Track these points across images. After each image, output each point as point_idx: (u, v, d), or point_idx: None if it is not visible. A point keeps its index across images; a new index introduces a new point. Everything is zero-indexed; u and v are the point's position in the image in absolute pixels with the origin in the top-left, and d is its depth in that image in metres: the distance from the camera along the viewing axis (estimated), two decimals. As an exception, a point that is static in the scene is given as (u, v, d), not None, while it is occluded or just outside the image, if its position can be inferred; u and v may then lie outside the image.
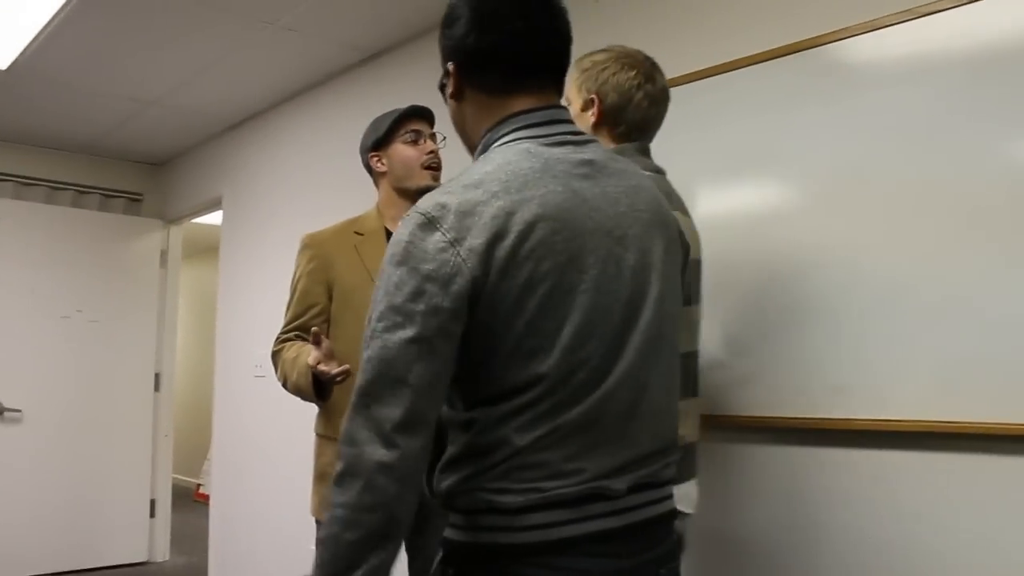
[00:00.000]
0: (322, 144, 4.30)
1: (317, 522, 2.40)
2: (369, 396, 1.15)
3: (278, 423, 4.33)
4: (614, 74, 1.97)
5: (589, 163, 1.27)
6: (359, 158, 2.56)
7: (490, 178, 1.20)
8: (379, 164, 2.49)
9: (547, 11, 1.33)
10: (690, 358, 1.90)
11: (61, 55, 3.97)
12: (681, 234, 1.42)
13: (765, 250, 2.31)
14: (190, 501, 8.11)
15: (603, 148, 1.34)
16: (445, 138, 2.50)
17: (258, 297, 4.66)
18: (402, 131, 2.45)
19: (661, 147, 2.01)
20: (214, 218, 5.73)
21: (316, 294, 2.42)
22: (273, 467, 4.43)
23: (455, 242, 1.15)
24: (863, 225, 2.13)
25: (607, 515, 1.19)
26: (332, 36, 3.76)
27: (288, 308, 2.46)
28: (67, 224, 5.48)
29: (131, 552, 5.56)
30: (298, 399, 2.32)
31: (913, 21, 2.08)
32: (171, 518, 5.87)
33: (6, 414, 5.07)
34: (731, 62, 2.44)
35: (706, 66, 2.51)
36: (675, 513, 1.33)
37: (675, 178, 1.97)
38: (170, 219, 5.89)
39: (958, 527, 1.95)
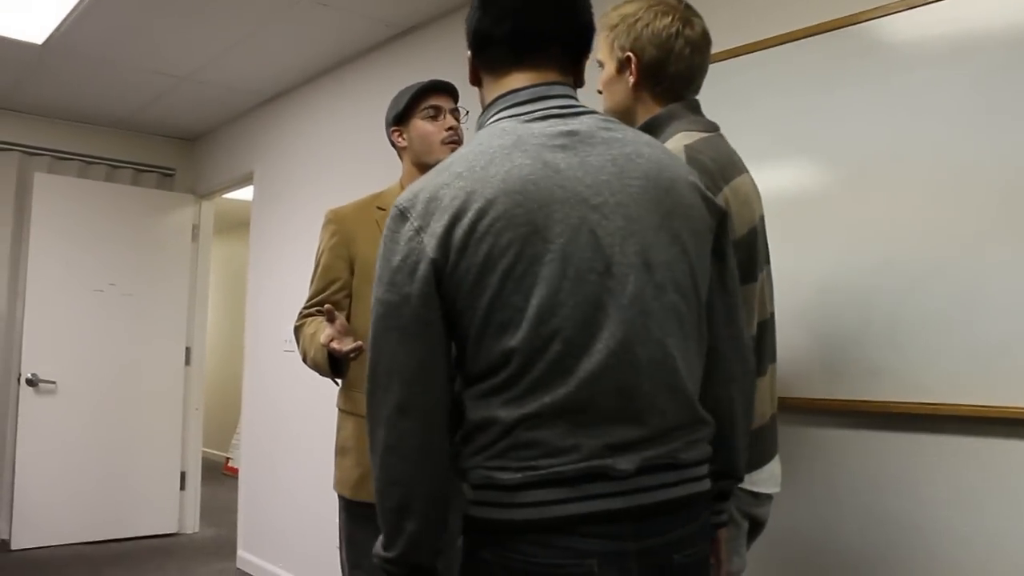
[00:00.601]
0: (353, 119, 4.30)
1: (339, 496, 2.43)
2: (371, 382, 1.24)
3: (306, 397, 4.36)
4: (647, 24, 1.75)
5: (571, 134, 1.26)
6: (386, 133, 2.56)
7: (459, 160, 1.25)
8: (400, 139, 2.49)
9: (532, 3, 1.35)
10: (764, 328, 1.76)
11: (95, 30, 3.99)
12: (708, 199, 1.33)
13: (798, 231, 2.29)
14: (219, 474, 8.20)
15: (598, 118, 1.31)
16: (468, 112, 2.49)
17: (288, 272, 4.69)
18: (422, 106, 2.44)
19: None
20: (245, 193, 5.76)
21: (338, 269, 2.44)
22: (301, 441, 4.47)
23: (420, 229, 1.20)
24: (898, 207, 2.10)
25: (610, 495, 1.18)
26: (363, 11, 3.75)
27: (311, 283, 2.48)
28: (100, 198, 5.53)
29: (161, 523, 5.63)
30: (321, 376, 2.34)
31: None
32: (200, 491, 5.93)
33: (41, 386, 5.15)
34: (765, 40, 2.41)
35: (740, 44, 2.48)
36: (703, 496, 1.28)
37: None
38: (202, 194, 5.92)
39: (986, 512, 1.93)
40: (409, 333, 1.21)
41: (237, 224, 8.50)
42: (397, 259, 1.21)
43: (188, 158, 6.06)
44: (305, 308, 2.45)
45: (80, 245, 5.38)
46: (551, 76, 1.34)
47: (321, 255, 2.47)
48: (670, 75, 1.75)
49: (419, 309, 1.20)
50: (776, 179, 2.38)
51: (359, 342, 2.09)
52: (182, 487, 5.77)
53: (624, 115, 1.76)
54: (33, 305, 5.19)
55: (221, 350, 8.73)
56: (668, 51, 1.75)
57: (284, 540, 4.63)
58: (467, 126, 2.48)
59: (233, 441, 8.69)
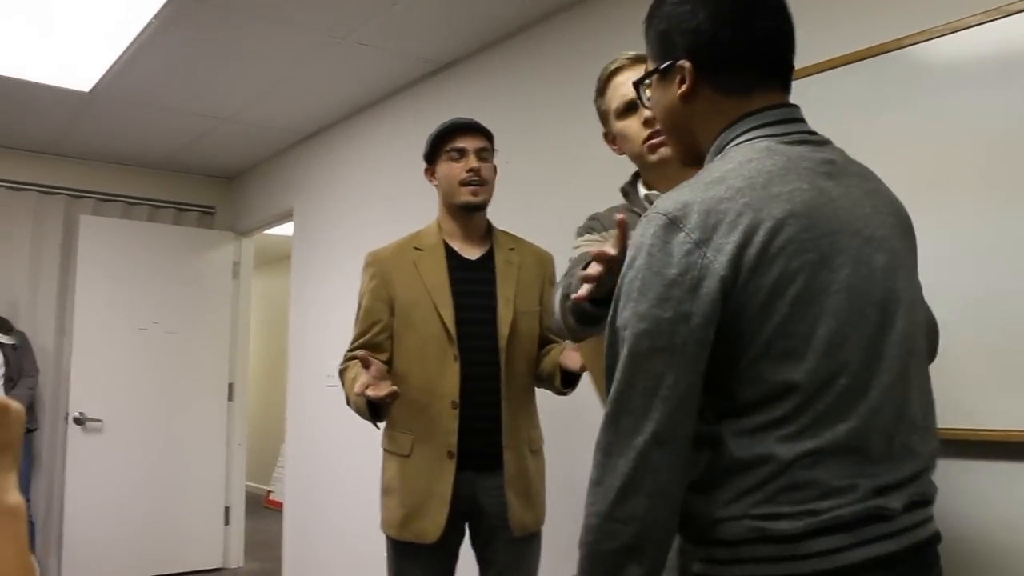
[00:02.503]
0: (391, 154, 4.35)
1: (387, 536, 2.47)
2: (618, 405, 1.12)
3: (351, 433, 4.36)
4: None
5: (830, 163, 1.22)
6: (429, 169, 2.61)
7: (732, 175, 1.14)
8: (431, 178, 2.56)
9: (781, 11, 1.28)
10: None
11: (139, 76, 4.08)
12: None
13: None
14: (261, 507, 8.23)
15: (840, 149, 1.28)
16: (497, 151, 2.55)
17: (329, 307, 4.72)
18: (447, 147, 2.50)
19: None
20: (284, 228, 5.83)
21: (378, 311, 2.49)
22: (346, 476, 4.48)
23: (701, 243, 1.10)
24: (946, 233, 2.07)
25: (886, 537, 1.11)
26: (402, 49, 3.81)
27: (355, 325, 2.54)
28: (143, 238, 5.63)
29: (207, 558, 5.67)
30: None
31: (998, 21, 2.03)
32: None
33: (88, 424, 5.22)
34: (805, 68, 2.41)
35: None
36: (939, 535, 1.24)
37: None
38: (242, 231, 6.01)
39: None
40: (681, 354, 1.10)
41: (277, 259, 8.59)
42: (673, 272, 1.09)
43: (228, 196, 6.16)
44: (349, 350, 2.50)
45: (124, 284, 5.47)
46: (784, 97, 1.29)
47: (362, 297, 2.53)
48: None
49: (699, 330, 1.10)
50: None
51: (394, 388, 2.17)
52: (226, 522, 5.81)
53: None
54: (80, 344, 5.28)
55: (262, 382, 8.80)
56: None
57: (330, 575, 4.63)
58: (501, 169, 2.51)
59: (274, 474, 8.73)
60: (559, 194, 3.32)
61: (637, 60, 1.96)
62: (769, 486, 1.10)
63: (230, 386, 5.90)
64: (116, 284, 5.45)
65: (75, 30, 3.61)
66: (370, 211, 4.51)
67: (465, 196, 2.47)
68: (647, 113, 1.88)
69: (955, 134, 2.08)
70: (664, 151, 1.89)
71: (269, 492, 8.83)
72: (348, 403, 2.41)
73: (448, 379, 2.40)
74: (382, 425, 2.45)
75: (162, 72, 4.05)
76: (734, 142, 1.23)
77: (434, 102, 4.05)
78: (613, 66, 2.00)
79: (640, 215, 1.97)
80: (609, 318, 1.17)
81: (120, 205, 5.73)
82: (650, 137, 1.90)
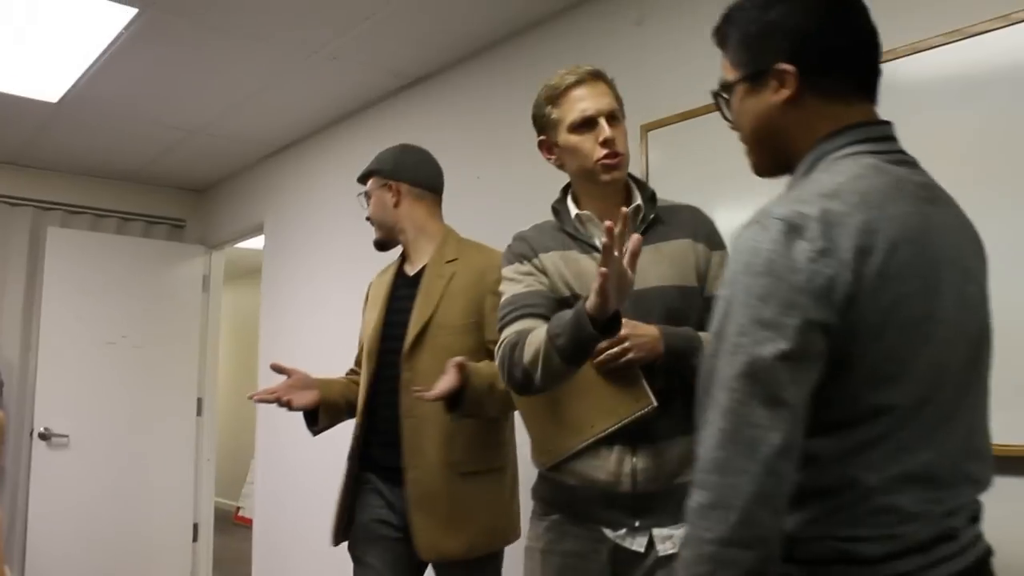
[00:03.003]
0: (363, 169, 4.34)
1: (353, 557, 2.51)
2: (740, 418, 1.05)
3: (320, 450, 4.34)
4: None
5: (929, 187, 1.20)
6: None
7: (846, 190, 1.11)
8: (393, 196, 2.66)
9: (867, 11, 1.24)
10: None
11: (109, 87, 4.05)
12: None
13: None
14: (230, 524, 8.15)
15: (926, 171, 1.26)
16: (361, 195, 2.73)
17: (300, 322, 4.70)
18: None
19: (713, 167, 2.02)
20: (255, 242, 5.80)
21: (362, 331, 2.68)
22: (315, 493, 4.44)
23: (825, 252, 1.06)
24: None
25: (955, 555, 1.13)
26: (374, 63, 3.81)
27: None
28: (111, 251, 5.57)
29: (175, 575, 5.59)
30: (337, 426, 2.63)
31: (959, 42, 2.07)
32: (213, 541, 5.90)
33: (54, 439, 5.14)
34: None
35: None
36: (991, 549, 1.25)
37: (717, 199, 1.97)
38: (212, 245, 5.96)
39: None
40: (807, 363, 1.06)
41: (248, 272, 8.54)
42: (799, 279, 1.05)
43: (198, 209, 6.12)
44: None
45: (91, 298, 5.40)
46: (875, 108, 1.26)
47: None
48: None
49: (820, 339, 1.06)
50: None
51: (305, 400, 2.46)
52: (195, 539, 5.73)
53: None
54: (45, 358, 5.20)
55: (231, 397, 8.72)
56: None
57: (299, 591, 4.59)
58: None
59: (244, 490, 8.65)
60: (530, 208, 3.32)
61: (598, 76, 1.95)
62: (853, 510, 1.09)
63: (199, 401, 5.84)
64: (84, 297, 5.38)
65: (44, 40, 3.58)
66: (341, 226, 4.49)
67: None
68: (607, 132, 1.89)
69: (917, 153, 2.11)
70: (617, 174, 1.91)
71: (238, 508, 8.75)
72: None
73: (365, 395, 2.51)
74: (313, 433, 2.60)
75: (132, 84, 4.03)
76: (836, 154, 1.19)
77: (406, 116, 4.06)
78: (572, 79, 1.96)
79: (570, 234, 1.97)
80: (715, 327, 1.12)
81: (88, 217, 5.67)
82: (607, 157, 1.90)
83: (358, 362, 2.65)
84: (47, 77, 3.96)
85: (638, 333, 1.79)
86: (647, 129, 2.81)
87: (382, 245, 2.61)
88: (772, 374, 1.05)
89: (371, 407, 2.47)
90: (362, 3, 3.21)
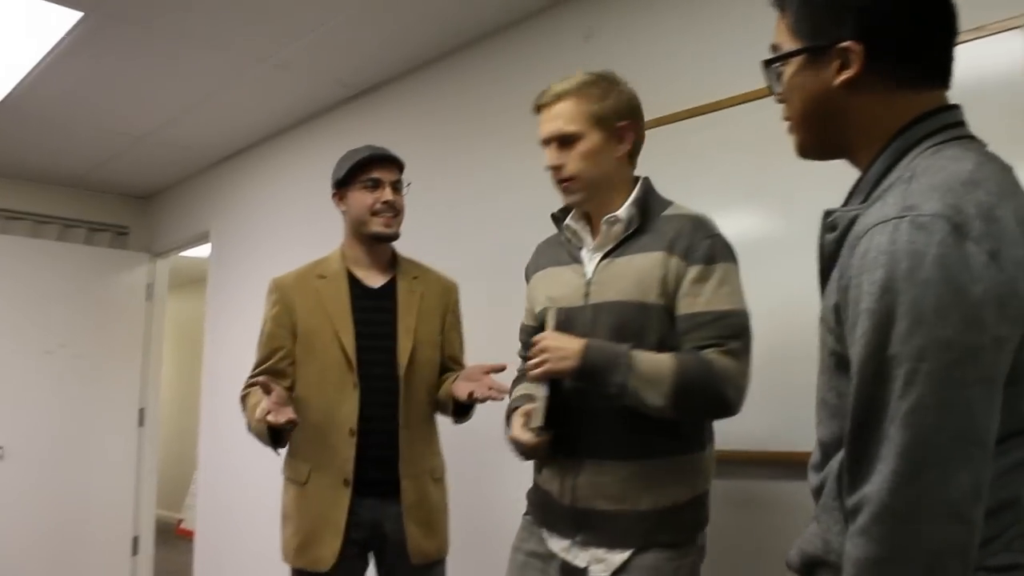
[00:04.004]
0: (310, 178, 4.32)
1: (294, 570, 2.45)
2: (922, 456, 0.91)
3: (263, 461, 4.28)
4: (630, 96, 1.96)
5: (1014, 173, 1.09)
6: (333, 195, 2.61)
7: (981, 176, 0.98)
8: (340, 204, 2.56)
9: None
10: None
11: (52, 91, 3.99)
12: None
13: (753, 284, 2.33)
14: (171, 536, 8.01)
15: None
16: (410, 184, 2.56)
17: (245, 332, 4.63)
18: (362, 176, 2.49)
19: (659, 178, 2.04)
20: (200, 250, 5.73)
21: (281, 337, 2.50)
22: (259, 505, 4.40)
23: (995, 255, 0.92)
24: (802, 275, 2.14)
25: None
26: (322, 73, 3.80)
27: (256, 351, 2.55)
28: (52, 258, 5.46)
29: (113, 589, 5.48)
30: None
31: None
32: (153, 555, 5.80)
33: (-12, 450, 5.03)
34: (720, 101, 2.48)
35: (698, 104, 2.56)
36: None
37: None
38: (157, 252, 5.88)
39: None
40: (997, 388, 0.92)
41: (192, 281, 8.43)
42: (979, 289, 0.90)
43: (143, 216, 6.02)
44: (251, 376, 2.50)
45: (30, 305, 5.29)
46: (947, 96, 1.14)
47: (265, 324, 2.55)
48: (642, 142, 1.96)
49: (1007, 360, 0.93)
50: (730, 232, 2.43)
51: (292, 416, 2.18)
52: (134, 552, 5.62)
53: (607, 185, 1.91)
54: (-20, 367, 5.08)
55: (174, 407, 8.61)
56: (641, 119, 1.97)
57: (241, 605, 4.53)
58: (414, 195, 2.54)
59: (186, 502, 8.52)
60: (475, 219, 3.34)
61: (555, 98, 1.95)
62: (1009, 531, 0.97)
63: (141, 411, 5.74)
64: (22, 304, 5.26)
65: (-16, 42, 3.51)
66: (288, 234, 4.47)
67: (378, 227, 2.48)
68: (548, 160, 1.93)
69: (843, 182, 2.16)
70: (573, 197, 1.95)
71: (180, 520, 8.61)
72: (249, 429, 2.41)
73: (347, 407, 2.40)
74: (282, 451, 2.45)
75: (77, 88, 3.97)
76: (935, 139, 1.07)
77: (353, 126, 4.05)
78: (538, 101, 2.00)
79: (569, 240, 2.03)
80: (873, 346, 0.96)
81: (29, 223, 5.54)
82: (560, 183, 1.95)
83: (274, 371, 2.45)
84: (-13, 79, 3.88)
85: (557, 346, 1.80)
86: (594, 143, 2.84)
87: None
88: (963, 404, 0.91)
89: (364, 424, 2.39)
90: (311, 13, 3.20)
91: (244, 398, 2.48)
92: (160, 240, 5.84)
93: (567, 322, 1.88)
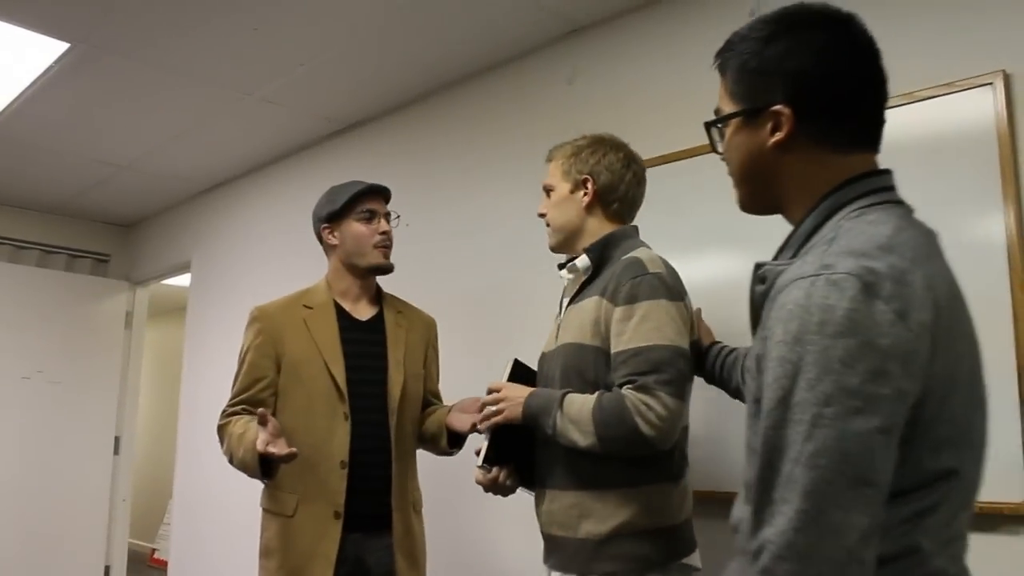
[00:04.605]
0: (293, 212, 4.34)
1: None
2: (825, 500, 0.94)
3: (240, 491, 4.28)
4: (604, 155, 2.09)
5: (936, 237, 1.14)
6: (313, 227, 2.60)
7: (897, 242, 1.03)
8: (331, 237, 2.54)
9: (878, 57, 1.16)
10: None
11: (36, 119, 4.01)
12: None
13: (731, 328, 2.37)
14: (145, 566, 7.93)
15: None
16: (399, 216, 2.59)
17: (224, 362, 4.62)
18: (358, 208, 2.50)
19: (640, 220, 2.11)
20: (180, 279, 5.73)
21: (264, 367, 2.46)
22: (233, 536, 4.38)
23: (902, 314, 0.97)
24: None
25: None
26: (307, 108, 3.84)
27: (235, 381, 2.50)
28: (31, 284, 5.44)
29: (83, 620, 5.42)
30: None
31: (907, 106, 2.16)
32: (125, 585, 5.73)
33: (-40, 476, 4.97)
34: (699, 147, 2.53)
35: (675, 150, 2.61)
36: None
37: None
38: (137, 281, 5.87)
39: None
40: (894, 438, 0.97)
41: (171, 309, 8.40)
42: (886, 343, 0.95)
43: (124, 244, 6.02)
44: (230, 406, 2.46)
45: (8, 330, 5.26)
46: (877, 163, 1.18)
47: (246, 353, 2.50)
48: (619, 198, 2.07)
49: (906, 411, 0.98)
50: (707, 275, 2.48)
51: (293, 449, 2.13)
52: (106, 582, 5.57)
53: (572, 231, 2.10)
54: (-45, 393, 5.04)
55: (150, 436, 8.54)
56: (620, 178, 2.09)
57: (213, 637, 4.49)
58: (397, 230, 2.57)
59: (160, 531, 8.44)
60: (456, 255, 3.38)
61: (551, 155, 2.19)
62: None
63: (116, 439, 5.70)
64: (0, 329, 5.24)
65: (-30, 71, 3.53)
66: (269, 267, 4.48)
67: (377, 259, 2.50)
68: (540, 209, 2.18)
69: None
70: (550, 240, 2.18)
71: (154, 550, 8.52)
72: (231, 460, 2.36)
73: (338, 438, 2.38)
74: (271, 483, 2.40)
75: (61, 116, 3.99)
76: (860, 203, 1.12)
77: (337, 161, 4.09)
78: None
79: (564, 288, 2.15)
80: (783, 391, 0.99)
81: (8, 248, 5.52)
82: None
83: (255, 401, 2.41)
84: (-29, 107, 3.89)
85: (510, 395, 2.04)
86: (574, 183, 2.88)
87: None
88: (863, 450, 0.95)
89: (354, 456, 2.38)
90: (297, 49, 3.25)
91: (222, 427, 2.43)
92: (141, 268, 5.84)
93: (541, 362, 2.14)
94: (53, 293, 5.50)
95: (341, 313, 2.52)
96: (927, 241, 1.09)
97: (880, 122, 1.17)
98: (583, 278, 2.07)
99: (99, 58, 3.36)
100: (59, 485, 5.36)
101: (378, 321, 2.54)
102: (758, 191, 1.24)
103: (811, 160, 1.15)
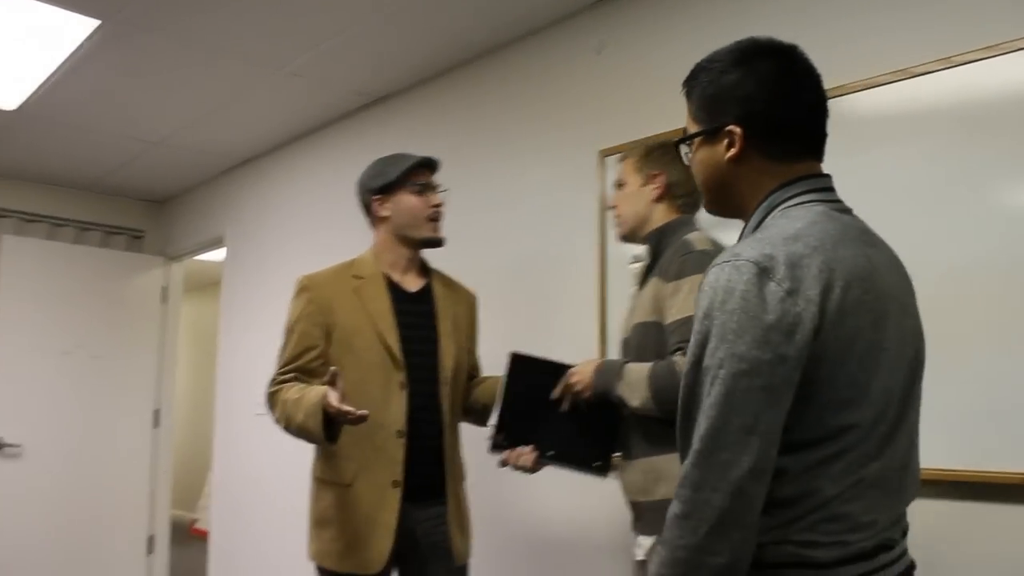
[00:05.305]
0: (324, 185, 4.37)
1: (319, 568, 2.44)
2: (715, 443, 1.17)
3: (278, 461, 4.35)
4: (675, 156, 2.13)
5: (867, 232, 1.34)
6: (359, 198, 2.58)
7: (805, 233, 1.23)
8: (381, 208, 2.51)
9: (819, 86, 1.37)
10: None
11: (70, 97, 4.04)
12: None
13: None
14: (186, 536, 8.07)
15: (861, 219, 1.40)
16: (447, 190, 2.56)
17: (259, 336, 4.70)
18: (411, 180, 2.49)
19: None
20: (215, 254, 5.78)
21: (314, 336, 2.44)
22: (273, 505, 4.45)
23: (792, 292, 1.17)
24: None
25: (891, 564, 1.26)
26: (337, 81, 3.84)
27: (284, 349, 2.47)
28: (69, 260, 5.52)
29: (128, 588, 5.55)
30: (298, 439, 2.34)
31: (906, 81, 2.14)
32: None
33: (6, 449, 5.08)
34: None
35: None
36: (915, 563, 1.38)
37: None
38: (171, 256, 5.93)
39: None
40: (777, 393, 1.17)
41: (207, 284, 8.48)
42: (770, 318, 1.16)
43: (158, 220, 6.08)
44: (280, 374, 2.44)
45: (48, 307, 5.35)
46: (821, 166, 1.39)
47: (296, 322, 2.47)
48: (687, 193, 2.17)
49: (792, 372, 1.17)
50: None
51: (365, 411, 2.11)
52: (150, 551, 5.69)
53: (640, 221, 2.23)
54: (0, 367, 5.16)
55: (189, 408, 8.66)
56: (689, 176, 2.10)
57: (254, 605, 4.58)
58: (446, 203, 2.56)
59: (200, 502, 8.58)
60: (485, 227, 3.37)
61: (624, 156, 2.31)
62: (811, 516, 1.20)
63: (156, 412, 5.80)
64: (40, 306, 5.32)
65: (3, 48, 3.56)
66: (301, 240, 4.51)
67: (430, 232, 2.50)
68: (611, 202, 2.32)
69: (865, 186, 2.18)
70: (617, 230, 2.31)
71: (195, 520, 8.67)
72: (287, 427, 2.33)
73: (395, 408, 2.38)
74: (328, 451, 2.40)
75: (94, 94, 4.02)
76: (789, 203, 1.32)
77: (367, 134, 4.09)
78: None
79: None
80: (695, 357, 1.23)
81: (45, 226, 5.60)
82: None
83: (305, 370, 2.41)
84: (6, 84, 3.93)
85: (582, 371, 2.16)
86: (605, 154, 2.87)
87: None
88: (747, 403, 1.16)
89: (411, 426, 2.39)
90: (327, 22, 3.24)
91: (274, 394, 2.40)
92: (175, 244, 5.90)
93: (623, 347, 2.22)
94: (90, 269, 5.58)
95: (391, 284, 2.51)
96: (842, 232, 1.27)
97: (822, 135, 1.37)
98: (645, 265, 2.20)
99: (130, 35, 3.38)
100: (102, 457, 5.47)
101: (426, 293, 2.54)
102: (720, 198, 1.43)
103: (761, 170, 1.35)
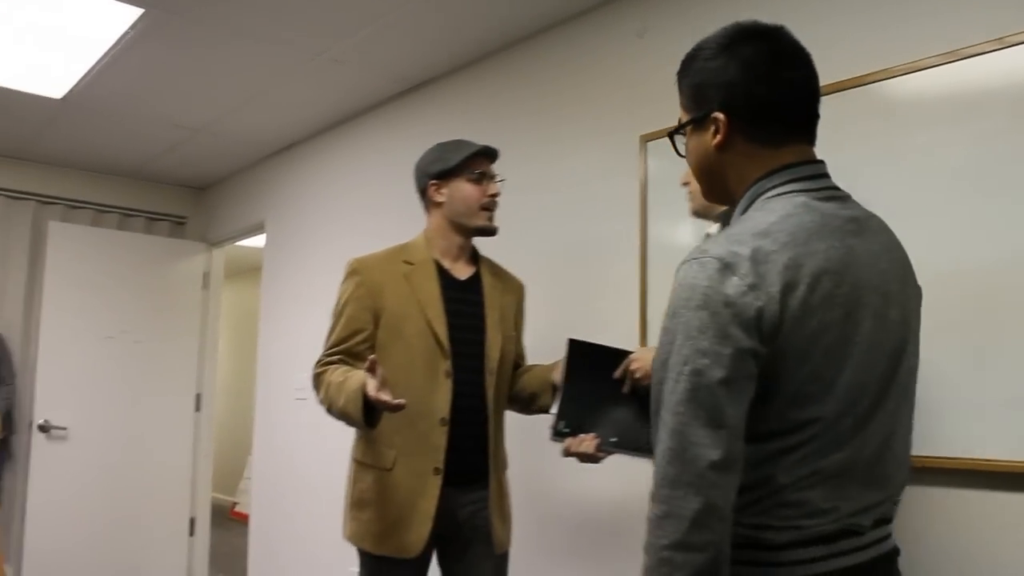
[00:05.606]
0: (364, 171, 4.38)
1: (359, 550, 2.44)
2: (685, 439, 1.18)
3: (318, 446, 4.38)
4: None
5: (855, 220, 1.32)
6: (401, 186, 2.58)
7: (776, 228, 1.24)
8: (438, 194, 2.51)
9: (807, 64, 1.36)
10: None
11: (114, 85, 4.09)
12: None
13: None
14: (226, 519, 8.19)
15: (857, 203, 1.38)
16: (504, 180, 2.56)
17: (299, 322, 4.73)
18: (470, 168, 2.48)
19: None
20: (256, 240, 5.83)
21: (363, 320, 2.43)
22: (312, 489, 4.48)
23: (753, 287, 1.18)
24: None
25: (858, 550, 1.27)
26: (378, 67, 3.84)
27: (332, 331, 2.47)
28: (112, 246, 5.60)
29: (170, 570, 5.63)
30: (339, 423, 2.33)
31: (955, 63, 2.10)
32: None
33: (53, 432, 5.18)
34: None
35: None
36: (899, 549, 1.39)
37: (714, 208, 2.01)
38: (213, 242, 6.00)
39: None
40: (738, 387, 1.19)
41: (248, 270, 8.57)
42: (731, 312, 1.18)
43: (200, 206, 6.15)
44: (326, 356, 2.44)
45: (92, 292, 5.44)
46: (811, 150, 1.38)
47: (345, 304, 2.46)
48: None
49: (753, 366, 1.19)
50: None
51: (402, 400, 2.10)
52: (191, 533, 5.78)
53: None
54: (46, 351, 5.23)
55: (230, 393, 8.76)
56: None
57: (294, 588, 4.63)
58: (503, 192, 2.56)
59: (240, 485, 8.68)
60: (528, 212, 3.36)
61: None
62: (765, 502, 1.24)
63: (197, 396, 5.88)
64: (84, 291, 5.41)
65: (50, 37, 3.61)
66: (342, 226, 4.53)
67: (484, 221, 2.49)
68: (683, 179, 2.25)
69: (914, 169, 2.15)
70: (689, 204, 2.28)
71: (235, 504, 8.78)
72: (329, 408, 2.33)
73: (439, 395, 2.38)
74: (369, 435, 2.40)
75: (137, 82, 4.06)
76: (770, 193, 1.32)
77: (407, 120, 4.09)
78: None
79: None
80: (660, 358, 1.24)
81: (90, 212, 5.70)
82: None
83: (352, 353, 2.41)
84: (52, 74, 3.99)
85: (643, 357, 2.17)
86: (646, 139, 2.84)
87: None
88: (711, 398, 1.17)
89: (455, 414, 2.39)
90: (366, 8, 3.24)
91: (319, 376, 2.40)
92: (216, 230, 5.95)
93: None
94: (133, 255, 5.66)
95: (441, 271, 2.50)
96: (819, 224, 1.26)
97: (812, 116, 1.37)
98: None
99: (172, 23, 3.40)
100: (145, 440, 5.57)
101: (475, 281, 2.54)
102: (712, 186, 1.44)
103: (746, 155, 1.35)
